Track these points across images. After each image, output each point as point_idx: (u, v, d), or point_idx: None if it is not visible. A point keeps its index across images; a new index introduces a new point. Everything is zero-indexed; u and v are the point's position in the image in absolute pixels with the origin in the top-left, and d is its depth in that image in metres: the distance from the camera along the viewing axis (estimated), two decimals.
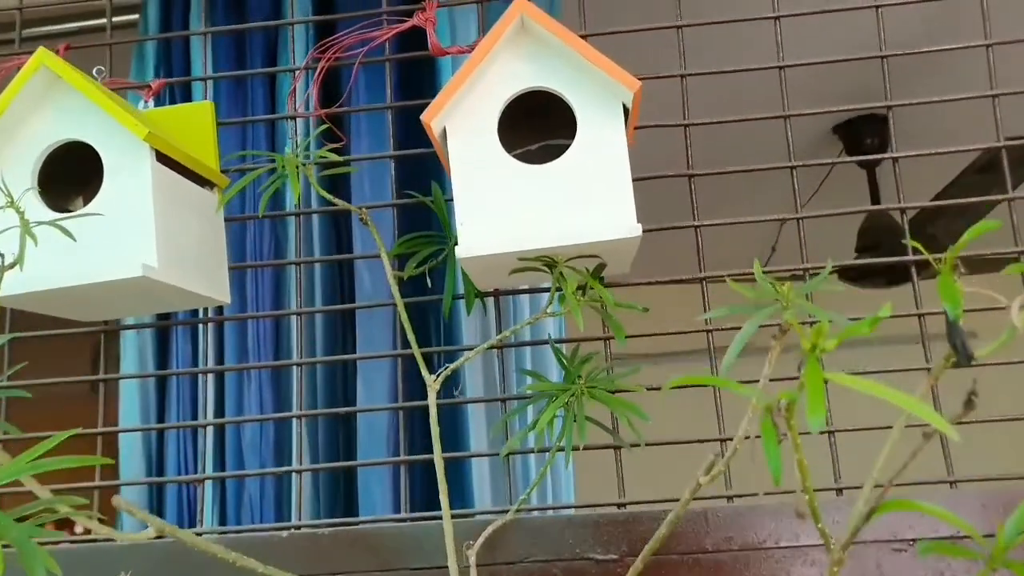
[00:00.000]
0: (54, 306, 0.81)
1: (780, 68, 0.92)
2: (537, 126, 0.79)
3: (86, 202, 0.83)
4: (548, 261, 0.75)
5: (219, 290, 0.88)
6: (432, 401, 0.78)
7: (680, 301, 0.99)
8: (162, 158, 0.80)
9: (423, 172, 1.01)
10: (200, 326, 1.13)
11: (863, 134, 2.54)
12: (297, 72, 0.97)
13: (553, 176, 0.73)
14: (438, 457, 0.77)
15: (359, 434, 1.10)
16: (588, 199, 0.72)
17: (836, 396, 0.74)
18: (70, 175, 0.83)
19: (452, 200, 0.75)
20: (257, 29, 1.20)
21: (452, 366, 0.80)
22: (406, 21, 0.94)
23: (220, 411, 1.12)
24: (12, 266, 0.68)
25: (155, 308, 0.88)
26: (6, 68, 0.96)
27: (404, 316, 0.83)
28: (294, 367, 1.08)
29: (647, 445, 0.77)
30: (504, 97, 0.75)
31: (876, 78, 0.94)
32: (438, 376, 0.79)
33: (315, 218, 1.17)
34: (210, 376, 1.12)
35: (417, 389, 1.14)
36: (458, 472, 1.09)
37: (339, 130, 0.94)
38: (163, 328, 1.15)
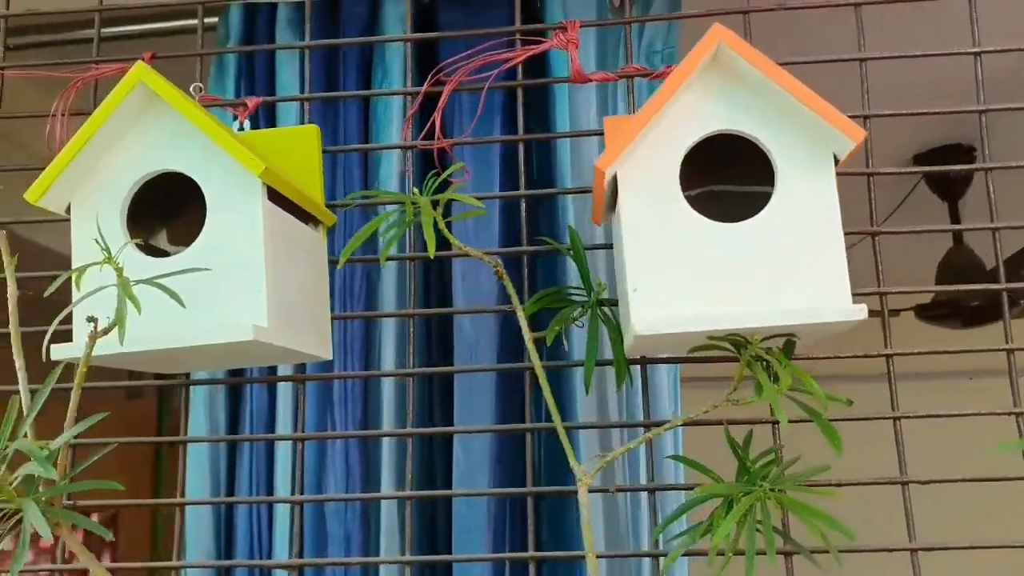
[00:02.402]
0: (138, 362, 0.70)
1: (865, 118, 0.78)
2: (704, 172, 0.67)
3: (174, 239, 0.72)
4: (738, 340, 0.62)
5: (323, 345, 0.76)
6: (584, 499, 0.65)
7: None
8: (271, 193, 0.68)
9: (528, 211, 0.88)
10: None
11: (947, 164, 2.38)
12: (409, 96, 0.85)
13: (748, 237, 0.61)
14: (592, 563, 0.64)
15: (455, 515, 0.97)
16: (793, 268, 0.60)
17: None
18: (153, 205, 0.71)
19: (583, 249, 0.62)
20: (353, 45, 1.08)
21: (608, 457, 0.67)
22: (538, 41, 0.82)
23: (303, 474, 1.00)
24: (107, 332, 0.56)
25: (247, 364, 0.77)
26: (84, 79, 0.85)
27: (544, 381, 0.70)
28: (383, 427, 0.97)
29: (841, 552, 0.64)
30: (687, 142, 0.63)
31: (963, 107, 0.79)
32: (594, 471, 0.66)
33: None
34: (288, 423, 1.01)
35: (515, 460, 1.03)
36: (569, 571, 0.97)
37: (436, 160, 0.82)
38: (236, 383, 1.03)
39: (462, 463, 0.99)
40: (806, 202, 0.61)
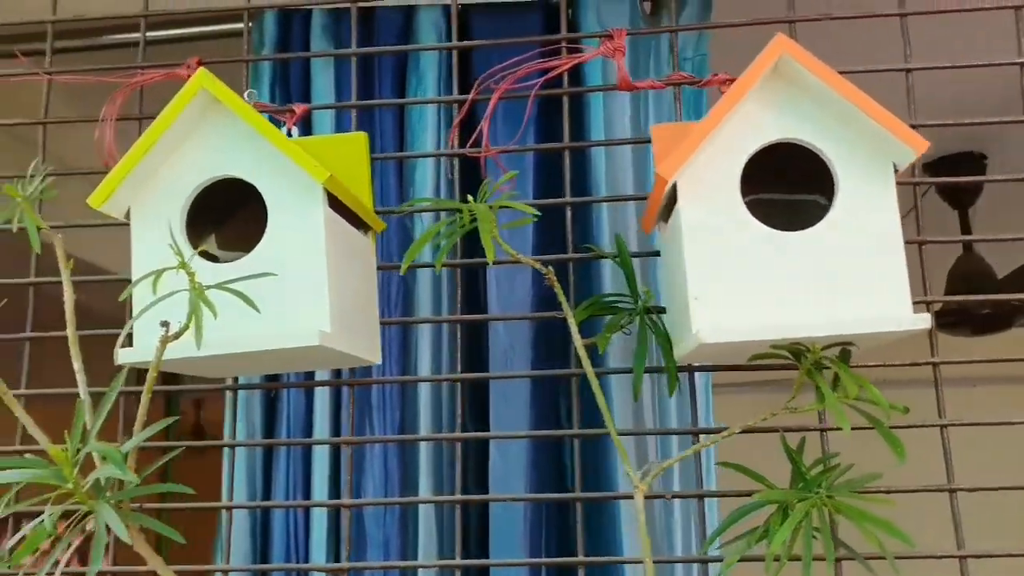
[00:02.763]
0: (198, 366, 0.70)
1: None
2: (760, 181, 0.68)
3: (224, 243, 0.72)
4: (798, 349, 0.63)
5: (374, 350, 0.76)
6: (640, 505, 0.66)
7: None
8: (330, 199, 0.68)
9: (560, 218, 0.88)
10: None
11: (958, 172, 2.39)
12: (456, 103, 0.85)
13: (809, 246, 0.61)
14: (649, 567, 0.65)
15: (492, 519, 0.98)
16: (854, 277, 0.60)
17: None
18: (206, 210, 0.71)
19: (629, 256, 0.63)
20: (396, 52, 1.09)
21: (663, 465, 0.68)
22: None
23: (335, 473, 1.00)
24: (178, 336, 0.57)
25: (301, 368, 0.77)
26: (131, 84, 0.85)
27: (597, 387, 0.71)
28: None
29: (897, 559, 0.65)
30: (748, 151, 0.63)
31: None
32: (648, 476, 0.66)
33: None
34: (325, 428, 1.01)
35: (550, 465, 1.04)
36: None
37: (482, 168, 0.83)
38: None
39: (499, 467, 0.99)
40: (866, 211, 0.61)
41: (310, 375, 1.00)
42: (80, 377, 0.67)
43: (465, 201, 0.68)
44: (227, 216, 0.73)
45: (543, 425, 1.02)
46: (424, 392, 1.01)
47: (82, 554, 0.58)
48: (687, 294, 0.62)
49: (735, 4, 1.07)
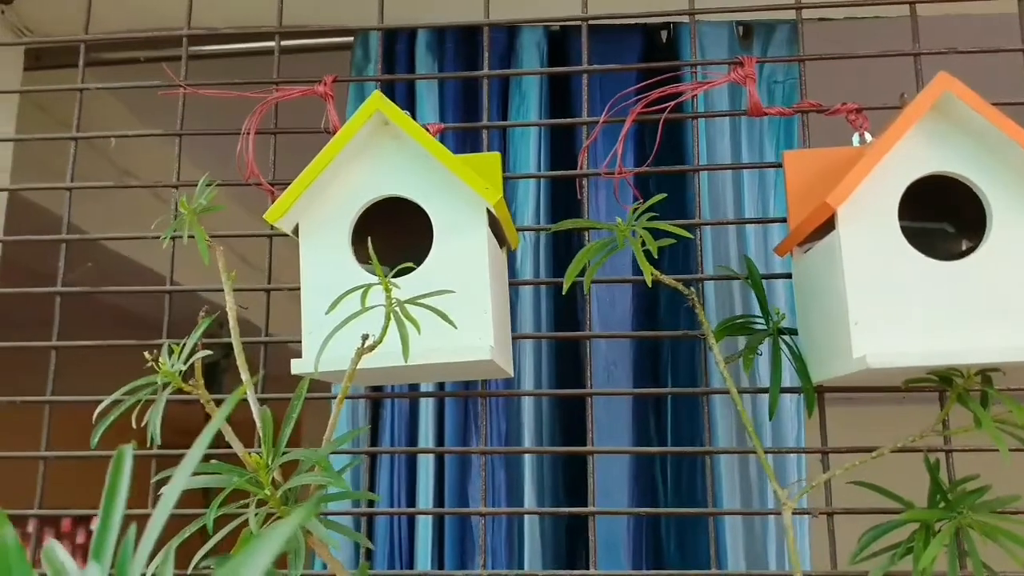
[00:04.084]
0: (367, 376, 0.72)
1: None
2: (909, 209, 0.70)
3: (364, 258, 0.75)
4: (950, 374, 0.65)
5: (510, 363, 0.79)
6: (788, 522, 0.68)
7: None
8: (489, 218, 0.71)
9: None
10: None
11: None
12: (586, 125, 0.88)
13: (966, 275, 0.64)
14: None
15: (598, 530, 0.99)
16: (1010, 305, 0.63)
17: None
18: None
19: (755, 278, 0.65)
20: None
21: (815, 483, 0.70)
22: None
23: (440, 481, 1.03)
24: (372, 349, 0.59)
25: (456, 378, 0.79)
26: (269, 100, 0.88)
27: (740, 405, 0.73)
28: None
29: None
30: (906, 182, 0.66)
31: None
32: (798, 496, 0.69)
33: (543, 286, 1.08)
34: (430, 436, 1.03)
35: (648, 479, 1.06)
36: None
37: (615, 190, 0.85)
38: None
39: (600, 481, 1.01)
40: (1020, 242, 0.64)
41: (423, 386, 1.03)
42: (250, 388, 0.69)
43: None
44: (373, 231, 0.76)
45: (641, 442, 1.04)
46: (527, 405, 1.03)
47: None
48: (847, 319, 0.64)
49: (819, 30, 1.11)
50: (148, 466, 0.87)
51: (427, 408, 1.04)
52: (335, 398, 0.96)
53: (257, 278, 0.88)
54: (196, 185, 0.72)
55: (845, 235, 0.65)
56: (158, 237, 0.77)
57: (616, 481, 1.01)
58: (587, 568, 1.01)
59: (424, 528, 1.01)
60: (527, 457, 1.01)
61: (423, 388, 1.03)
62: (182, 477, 0.29)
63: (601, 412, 1.04)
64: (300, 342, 0.71)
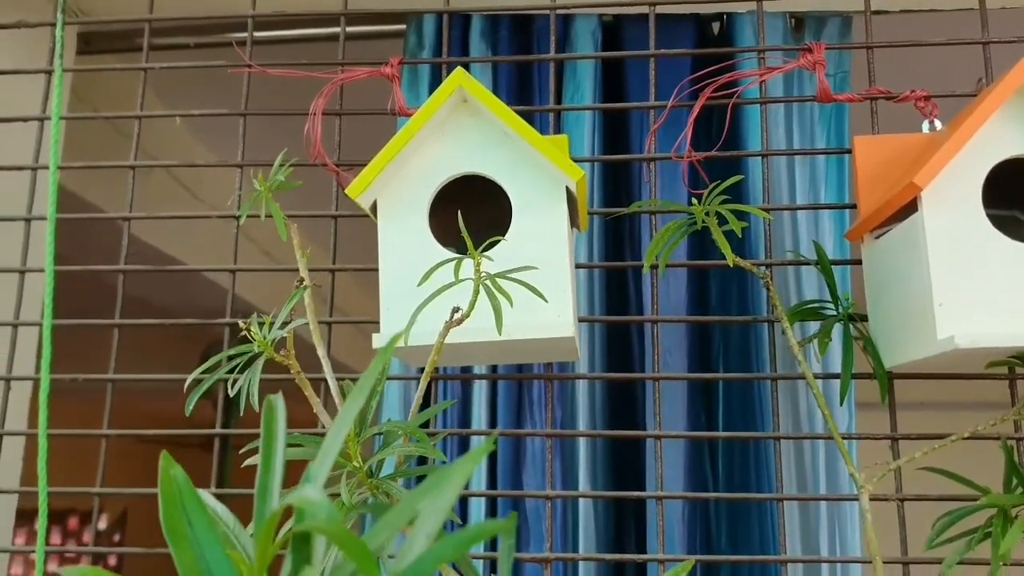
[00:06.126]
0: (448, 354, 0.72)
1: None
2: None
3: (440, 235, 0.75)
4: None
5: (579, 344, 0.79)
6: (866, 505, 0.68)
7: None
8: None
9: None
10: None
11: None
12: (652, 110, 0.88)
13: None
14: (879, 567, 0.67)
15: (648, 516, 1.00)
16: None
17: None
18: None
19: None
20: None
21: (892, 466, 0.70)
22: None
23: (492, 464, 1.03)
24: (460, 322, 0.59)
25: (535, 359, 0.79)
26: (335, 82, 0.88)
27: (817, 390, 0.73)
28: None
29: None
30: (988, 165, 0.66)
31: None
32: (876, 479, 0.68)
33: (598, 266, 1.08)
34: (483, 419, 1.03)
35: (703, 464, 1.06)
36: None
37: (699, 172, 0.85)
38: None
39: (655, 466, 1.01)
40: None
41: (475, 370, 1.03)
42: (326, 362, 0.69)
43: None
44: (447, 210, 0.76)
45: (696, 427, 1.04)
46: (582, 391, 1.03)
47: None
48: (931, 301, 0.64)
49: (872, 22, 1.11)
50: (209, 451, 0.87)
51: (480, 393, 1.04)
52: (403, 379, 0.97)
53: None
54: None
55: (929, 217, 0.65)
56: (236, 216, 0.77)
57: (670, 468, 1.00)
58: (642, 553, 1.01)
59: (477, 515, 1.02)
60: (582, 443, 1.02)
61: (475, 371, 1.03)
62: (359, 398, 0.30)
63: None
64: (371, 322, 0.72)
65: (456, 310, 0.59)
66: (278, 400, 0.35)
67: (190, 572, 0.32)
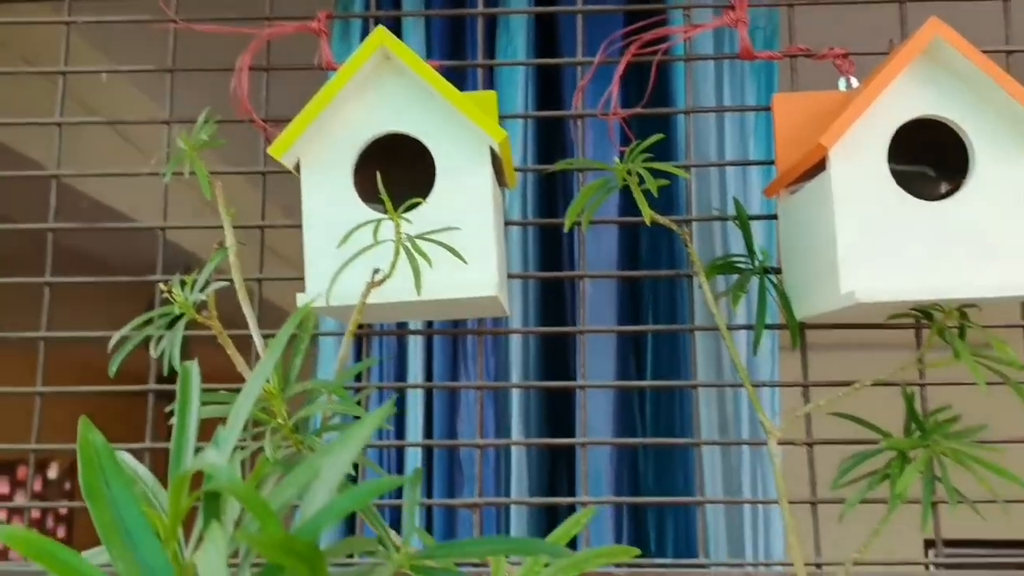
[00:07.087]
0: (371, 313, 0.73)
1: None
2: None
3: (366, 195, 0.75)
4: (932, 310, 0.68)
5: (507, 301, 0.80)
6: (775, 450, 0.72)
7: None
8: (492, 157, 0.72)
9: None
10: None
11: None
12: (584, 67, 0.89)
13: (951, 215, 0.67)
14: (786, 509, 0.70)
15: (577, 463, 1.03)
16: (994, 244, 0.66)
17: None
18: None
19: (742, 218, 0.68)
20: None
21: (802, 411, 0.73)
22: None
23: (429, 417, 1.05)
24: (381, 283, 0.61)
25: (460, 316, 0.81)
26: (262, 38, 0.87)
27: (731, 342, 0.76)
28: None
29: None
30: (895, 125, 0.68)
31: None
32: (785, 426, 0.72)
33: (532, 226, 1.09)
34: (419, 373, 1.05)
35: (630, 414, 1.10)
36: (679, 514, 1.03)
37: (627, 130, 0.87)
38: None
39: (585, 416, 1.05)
40: (1005, 184, 0.67)
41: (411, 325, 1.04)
42: (252, 321, 0.70)
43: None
44: (373, 168, 0.77)
45: (624, 378, 1.07)
46: (515, 344, 1.05)
47: None
48: (835, 256, 0.67)
49: None
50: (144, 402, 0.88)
51: (416, 347, 1.06)
52: (339, 335, 0.98)
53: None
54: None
55: (836, 175, 0.68)
56: (157, 174, 0.77)
57: (599, 416, 1.04)
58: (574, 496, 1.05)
59: (413, 462, 1.04)
60: (515, 394, 1.04)
61: (410, 327, 1.05)
62: (272, 357, 0.31)
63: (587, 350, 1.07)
64: (297, 279, 0.73)
65: (377, 271, 0.60)
66: (193, 367, 0.36)
67: (108, 530, 0.34)
